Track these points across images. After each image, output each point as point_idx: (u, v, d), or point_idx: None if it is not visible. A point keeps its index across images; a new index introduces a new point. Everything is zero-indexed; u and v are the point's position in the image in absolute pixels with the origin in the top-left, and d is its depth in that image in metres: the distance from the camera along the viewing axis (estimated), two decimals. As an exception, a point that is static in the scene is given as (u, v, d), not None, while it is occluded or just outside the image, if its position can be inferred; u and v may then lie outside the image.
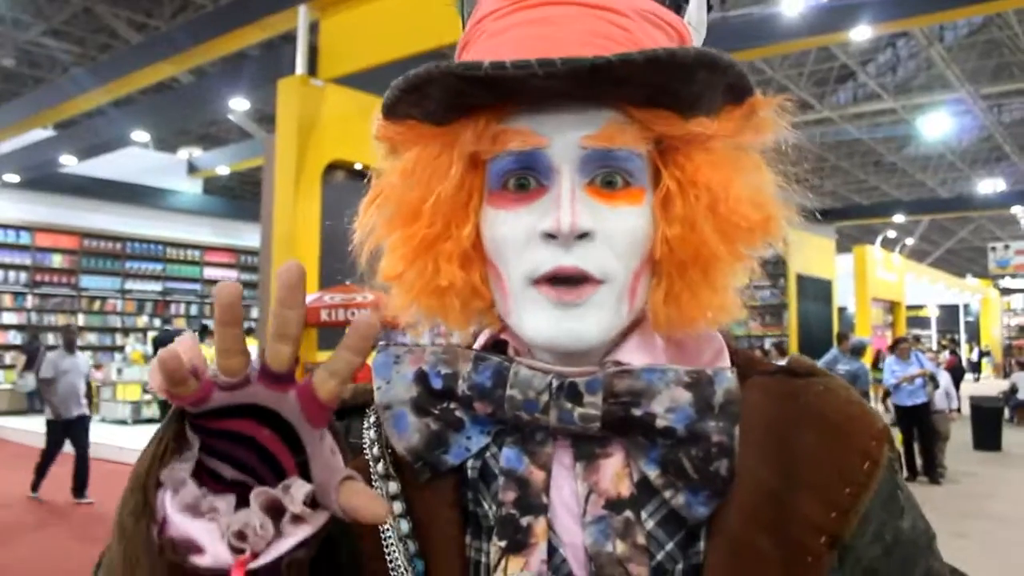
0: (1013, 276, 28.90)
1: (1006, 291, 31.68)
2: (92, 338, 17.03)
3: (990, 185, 24.17)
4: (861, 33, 9.59)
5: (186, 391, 0.51)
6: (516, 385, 0.66)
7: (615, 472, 0.65)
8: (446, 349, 0.71)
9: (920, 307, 27.94)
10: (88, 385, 8.75)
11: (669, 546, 0.65)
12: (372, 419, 0.74)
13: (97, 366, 15.66)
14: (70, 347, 8.65)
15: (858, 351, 10.03)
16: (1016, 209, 23.51)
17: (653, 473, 0.64)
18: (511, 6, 0.68)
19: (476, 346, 0.74)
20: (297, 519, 0.53)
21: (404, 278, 0.71)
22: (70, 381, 8.39)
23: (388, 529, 0.68)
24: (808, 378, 0.70)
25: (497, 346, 0.73)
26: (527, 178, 0.66)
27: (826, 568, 0.62)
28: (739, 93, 0.66)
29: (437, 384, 0.69)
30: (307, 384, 0.52)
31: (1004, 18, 14.91)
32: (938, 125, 19.45)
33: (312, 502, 0.53)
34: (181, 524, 0.53)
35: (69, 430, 8.40)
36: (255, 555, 0.52)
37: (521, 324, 0.67)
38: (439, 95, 0.64)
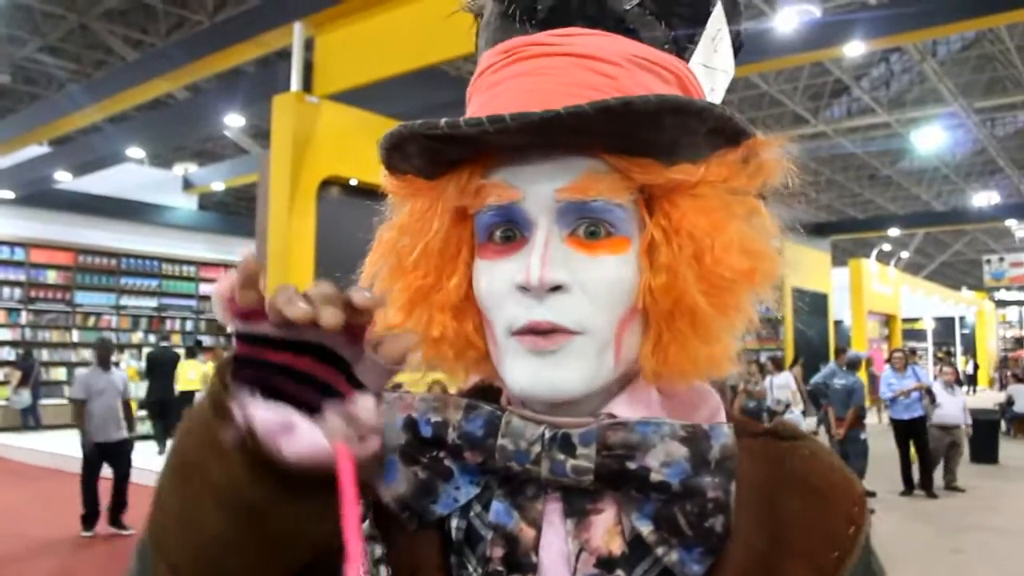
0: (1008, 288, 28.98)
1: (1001, 303, 31.77)
2: (87, 354, 16.96)
3: (984, 198, 24.26)
4: (854, 49, 9.64)
5: (252, 297, 0.54)
6: (508, 435, 0.65)
7: (607, 529, 0.64)
8: (437, 397, 0.70)
9: (916, 320, 27.96)
10: (127, 404, 7.94)
11: None
12: None
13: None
14: (104, 363, 7.87)
15: (854, 365, 10.02)
16: (1010, 222, 23.60)
17: (646, 529, 0.63)
18: (505, 59, 0.68)
19: (467, 392, 0.74)
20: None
21: (402, 328, 0.71)
22: (107, 402, 7.66)
23: None
24: (792, 442, 0.70)
25: (489, 395, 0.73)
26: (512, 230, 0.66)
27: None
28: (731, 136, 0.65)
29: (427, 432, 0.68)
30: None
31: (996, 33, 15.01)
32: (932, 139, 19.53)
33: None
34: (266, 412, 0.55)
35: (108, 455, 7.72)
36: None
37: (505, 374, 0.66)
38: (417, 152, 0.66)
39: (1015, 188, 25.04)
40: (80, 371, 7.86)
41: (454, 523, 0.68)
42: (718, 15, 0.72)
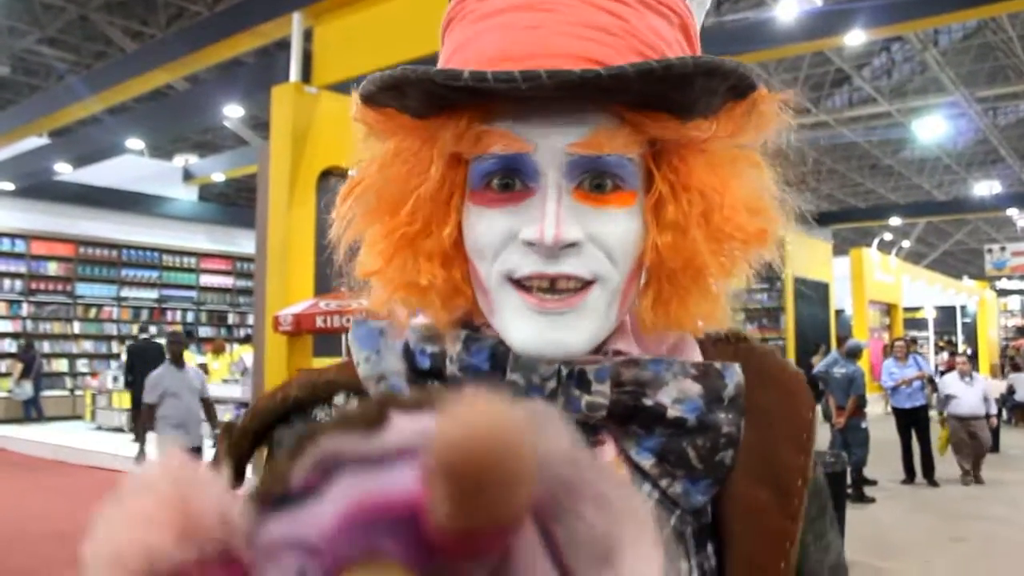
0: (1009, 278, 28.94)
1: (1003, 292, 31.72)
2: (88, 345, 17.00)
3: (986, 187, 24.20)
4: (856, 38, 9.60)
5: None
6: (518, 369, 0.63)
7: (611, 460, 0.64)
8: (427, 327, 0.67)
9: (917, 309, 27.92)
10: (207, 404, 7.08)
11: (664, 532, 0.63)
12: (348, 402, 0.69)
13: (93, 374, 15.63)
14: (178, 360, 6.98)
15: (854, 354, 10.01)
16: (1012, 211, 23.55)
17: (647, 463, 0.63)
18: None
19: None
20: None
21: (383, 274, 0.67)
22: (184, 404, 6.79)
23: None
24: (745, 343, 0.74)
25: (474, 329, 0.69)
26: (512, 179, 0.62)
27: (804, 507, 0.67)
28: (742, 90, 0.63)
29: (424, 363, 0.66)
30: None
31: (998, 22, 14.94)
32: (934, 128, 19.47)
33: None
34: None
35: None
36: None
37: (503, 329, 0.63)
38: (417, 95, 0.61)
39: (1017, 177, 24.98)
40: (153, 373, 6.84)
41: None
42: None
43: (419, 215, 0.65)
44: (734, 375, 0.66)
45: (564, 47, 0.58)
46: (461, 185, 0.65)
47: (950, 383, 10.30)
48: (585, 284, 0.62)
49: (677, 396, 0.63)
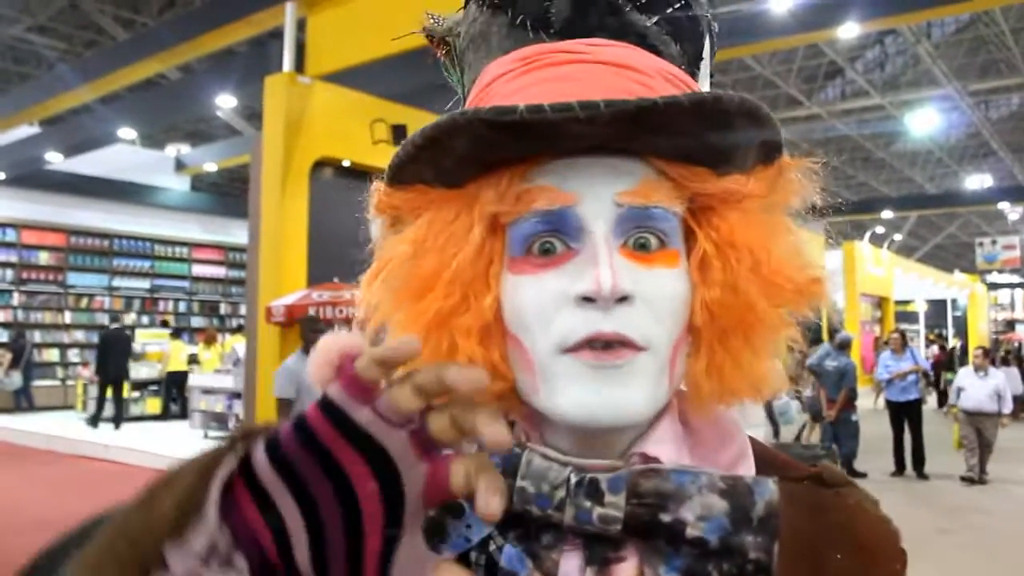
0: (1000, 271, 29.05)
1: (993, 286, 31.86)
2: (79, 335, 16.95)
3: (977, 181, 24.30)
4: (849, 30, 9.62)
5: (375, 376, 0.43)
6: (528, 476, 0.60)
7: None
8: None
9: (908, 302, 28.04)
10: None
11: None
12: None
13: (84, 363, 15.60)
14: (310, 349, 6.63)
15: (844, 346, 10.06)
16: (1003, 205, 23.66)
17: None
18: (524, 65, 0.63)
19: None
20: None
21: (414, 361, 0.62)
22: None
23: None
24: (838, 490, 0.67)
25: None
26: (552, 242, 0.59)
27: None
28: (770, 151, 0.63)
29: None
30: (423, 426, 0.45)
31: (991, 15, 14.97)
32: (926, 121, 19.53)
33: None
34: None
35: None
36: None
37: (553, 399, 0.59)
38: (463, 148, 0.58)
39: (1008, 171, 25.07)
40: (287, 363, 6.12)
41: (472, 555, 0.62)
42: (708, 45, 0.71)
43: (456, 288, 0.61)
44: (766, 492, 0.59)
45: (605, 94, 0.55)
46: (499, 255, 0.62)
47: (964, 376, 10.06)
48: (637, 350, 0.58)
49: (701, 513, 0.57)
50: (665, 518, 0.57)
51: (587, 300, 0.57)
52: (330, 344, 0.46)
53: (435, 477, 0.46)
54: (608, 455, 0.61)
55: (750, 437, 0.69)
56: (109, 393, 13.08)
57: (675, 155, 0.60)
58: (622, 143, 0.58)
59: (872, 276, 22.65)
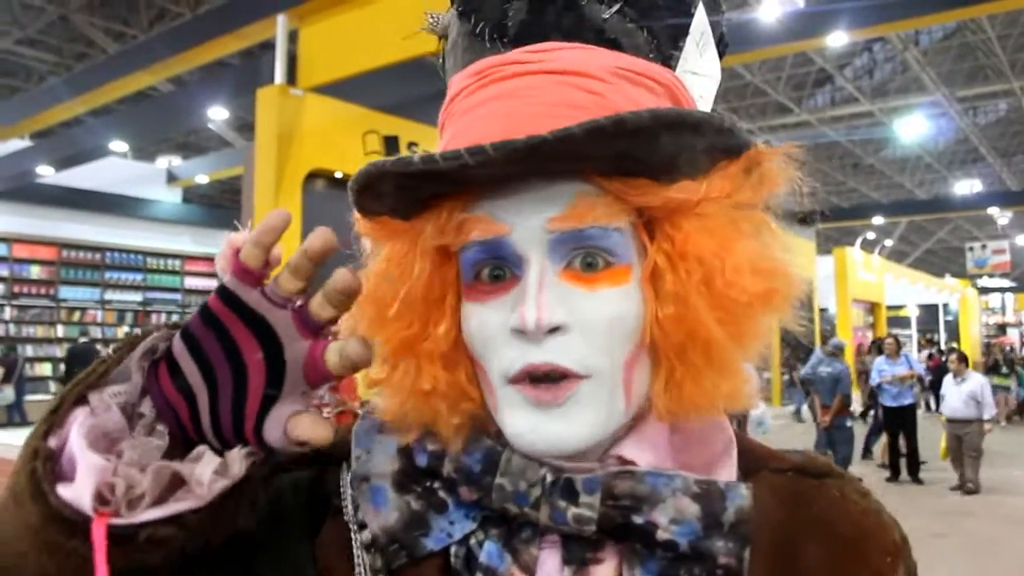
0: (990, 275, 29.19)
1: (984, 290, 32.00)
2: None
3: (967, 186, 24.45)
4: (838, 39, 9.68)
5: (256, 258, 0.54)
6: (508, 474, 0.60)
7: None
8: None
9: (900, 307, 28.16)
10: None
11: None
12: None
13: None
14: None
15: (837, 352, 10.08)
16: (992, 209, 23.78)
17: None
18: (477, 82, 0.62)
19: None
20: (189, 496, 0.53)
21: (390, 382, 0.64)
22: None
23: None
24: (822, 480, 0.66)
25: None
26: (501, 268, 0.60)
27: None
28: (731, 148, 0.60)
29: (422, 461, 0.64)
30: (303, 306, 0.55)
31: (977, 23, 15.09)
32: (915, 127, 19.65)
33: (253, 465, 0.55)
34: (74, 449, 0.53)
35: None
36: (116, 514, 0.51)
37: (502, 425, 0.60)
38: (391, 191, 0.60)
39: (997, 176, 25.22)
40: None
41: (453, 549, 0.63)
42: (700, 17, 0.67)
43: (414, 316, 0.63)
44: (737, 497, 0.59)
45: (534, 128, 0.54)
46: (454, 282, 0.63)
47: (946, 382, 9.96)
48: (576, 379, 0.58)
49: (673, 516, 0.58)
50: (638, 520, 0.58)
51: (521, 332, 0.57)
52: (228, 241, 0.54)
53: (315, 355, 0.55)
54: (586, 458, 0.61)
55: (736, 432, 0.68)
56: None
57: (607, 171, 0.58)
58: (545, 169, 0.57)
59: (864, 282, 22.72)
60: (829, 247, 22.79)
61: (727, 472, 0.64)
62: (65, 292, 16.74)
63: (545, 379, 0.58)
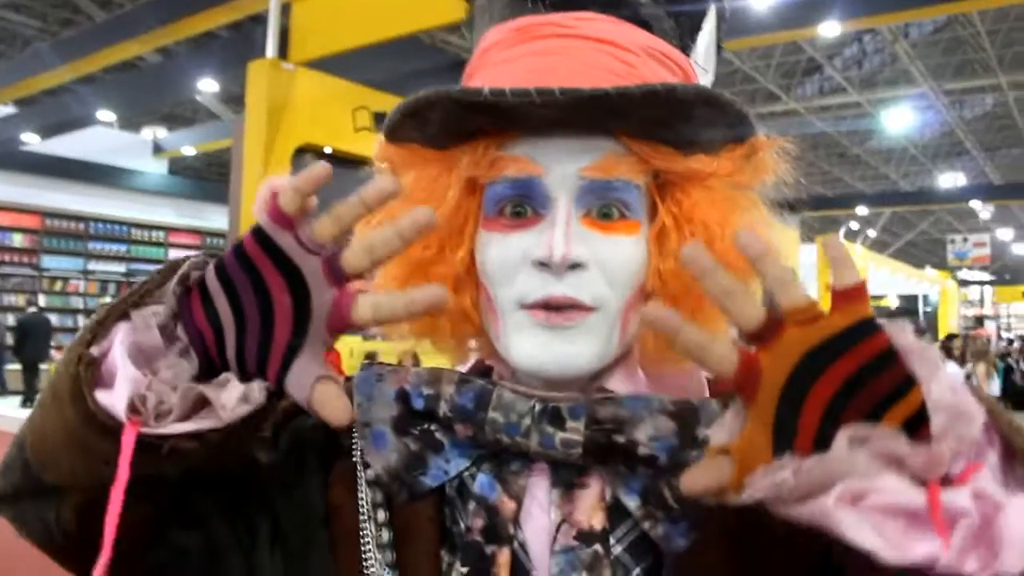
0: (970, 268, 29.47)
1: (964, 283, 32.30)
2: (54, 319, 16.74)
3: (950, 179, 24.60)
4: (830, 29, 9.72)
5: (295, 204, 0.55)
6: (499, 408, 0.65)
7: (590, 504, 0.65)
8: (430, 370, 0.70)
9: (881, 297, 28.36)
10: None
11: (636, 572, 0.65)
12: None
13: (58, 348, 15.43)
14: None
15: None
16: (975, 203, 23.99)
17: (633, 503, 0.64)
18: (517, 36, 0.68)
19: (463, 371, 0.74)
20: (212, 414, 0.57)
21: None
22: None
23: (367, 536, 0.69)
24: None
25: (483, 373, 0.73)
26: (523, 206, 0.66)
27: None
28: (740, 132, 0.66)
29: (419, 404, 0.68)
30: (335, 255, 0.57)
31: (967, 17, 15.16)
32: (901, 119, 19.72)
33: (272, 395, 0.58)
34: (115, 361, 0.58)
35: None
36: (145, 424, 0.56)
37: (509, 348, 0.66)
38: (440, 119, 0.65)
39: (980, 170, 25.41)
40: None
41: (448, 484, 0.69)
42: (711, 17, 0.75)
43: (434, 240, 0.69)
44: (709, 412, 0.64)
45: (573, 83, 0.61)
46: (475, 213, 0.69)
47: None
48: (587, 310, 0.64)
49: (652, 434, 0.63)
50: (620, 439, 0.63)
51: (543, 265, 0.63)
52: (266, 185, 0.56)
53: (340, 305, 0.56)
54: (571, 389, 0.67)
55: (709, 381, 0.74)
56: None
57: (639, 134, 0.65)
58: (586, 122, 0.63)
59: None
60: (812, 236, 22.91)
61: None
62: (48, 261, 16.60)
63: (558, 308, 0.64)
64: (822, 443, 0.47)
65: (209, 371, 0.59)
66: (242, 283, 0.57)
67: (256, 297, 0.57)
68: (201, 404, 0.57)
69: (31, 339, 13.44)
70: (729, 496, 0.50)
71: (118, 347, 0.58)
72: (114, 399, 0.56)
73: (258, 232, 0.57)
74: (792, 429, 0.49)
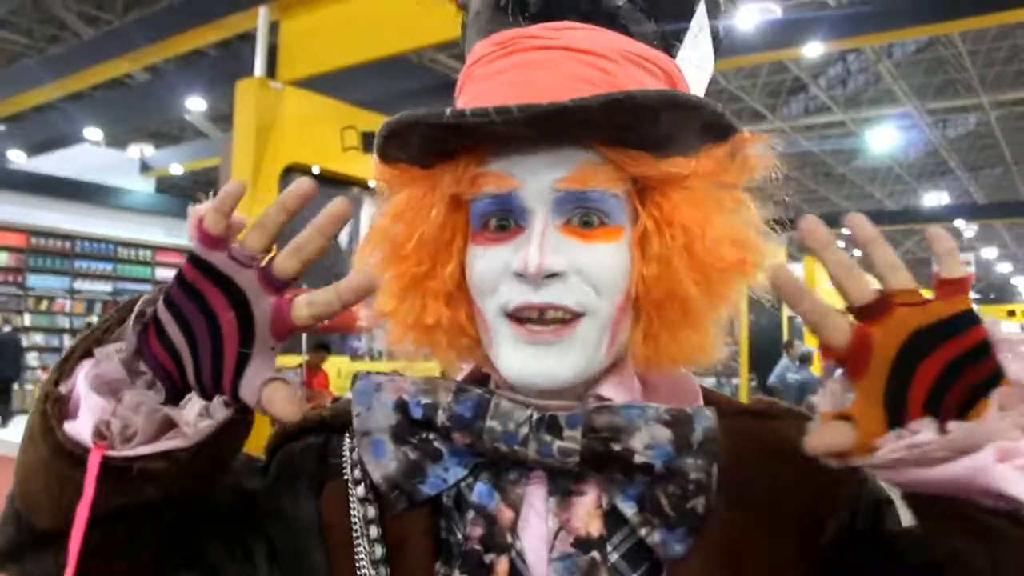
0: (955, 286, 29.63)
1: (949, 301, 32.44)
2: (39, 339, 16.62)
3: (935, 198, 24.81)
4: (814, 50, 9.81)
5: (219, 224, 0.59)
6: (496, 417, 0.67)
7: (588, 512, 0.66)
8: (427, 380, 0.71)
9: (867, 315, 28.48)
10: None
11: None
12: (354, 441, 0.75)
13: (43, 367, 15.30)
14: None
15: (806, 359, 10.20)
16: (959, 222, 24.17)
17: (630, 511, 0.65)
18: (499, 50, 0.70)
19: (459, 379, 0.75)
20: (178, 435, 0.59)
21: (396, 314, 0.72)
22: None
23: (362, 553, 0.70)
24: (782, 419, 0.74)
25: (480, 381, 0.75)
26: (507, 219, 0.67)
27: None
28: (720, 131, 0.67)
29: (417, 414, 0.69)
30: (268, 265, 0.60)
31: (949, 38, 15.35)
32: (886, 138, 19.88)
33: (227, 403, 0.60)
34: (80, 393, 0.60)
35: None
36: (111, 447, 0.58)
37: (498, 360, 0.68)
38: (418, 140, 0.67)
39: (964, 189, 25.64)
40: None
41: (445, 493, 0.70)
42: (701, 13, 0.75)
43: (424, 256, 0.71)
44: (703, 420, 0.65)
45: (550, 97, 0.62)
46: (463, 228, 0.71)
47: None
48: (574, 316, 0.65)
49: (648, 442, 0.64)
50: (616, 447, 0.64)
51: (521, 276, 0.65)
52: (193, 211, 0.60)
53: (279, 309, 0.60)
54: (567, 398, 0.68)
55: (702, 387, 0.76)
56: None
57: (611, 142, 0.65)
58: (558, 134, 0.64)
59: (831, 289, 22.88)
60: (799, 254, 23.05)
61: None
62: (33, 280, 16.49)
63: (541, 320, 0.65)
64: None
65: (176, 400, 0.61)
66: (188, 309, 0.60)
67: (203, 317, 0.60)
68: (168, 426, 0.59)
69: (1, 360, 13.60)
70: (853, 458, 0.54)
71: (81, 381, 0.61)
72: (79, 427, 0.59)
73: (193, 257, 0.60)
74: (902, 401, 0.54)
